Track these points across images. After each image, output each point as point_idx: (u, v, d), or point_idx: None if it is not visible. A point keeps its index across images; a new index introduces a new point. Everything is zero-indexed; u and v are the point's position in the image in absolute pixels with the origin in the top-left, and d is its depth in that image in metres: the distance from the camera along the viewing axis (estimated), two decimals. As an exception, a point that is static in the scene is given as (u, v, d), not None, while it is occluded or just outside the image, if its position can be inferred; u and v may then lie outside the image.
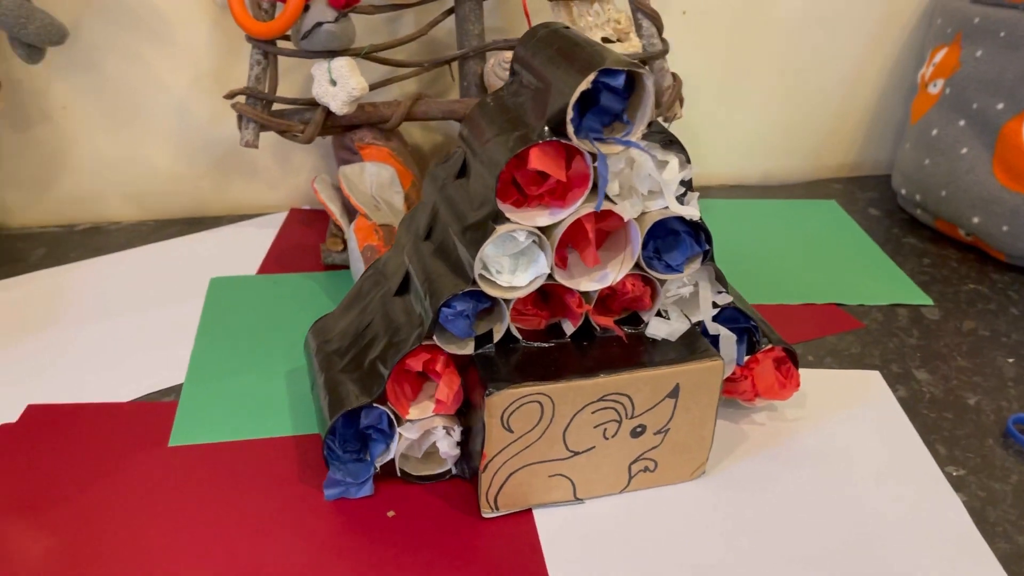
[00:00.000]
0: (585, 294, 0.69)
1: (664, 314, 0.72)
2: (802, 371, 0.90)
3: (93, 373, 0.87)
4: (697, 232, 0.69)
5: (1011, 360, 0.93)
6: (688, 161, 0.67)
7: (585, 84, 0.60)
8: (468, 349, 0.69)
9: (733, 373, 0.79)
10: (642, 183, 0.66)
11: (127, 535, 0.68)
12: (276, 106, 1.04)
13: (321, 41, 0.95)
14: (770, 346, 0.79)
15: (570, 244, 0.69)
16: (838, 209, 1.28)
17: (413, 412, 0.71)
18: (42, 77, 1.11)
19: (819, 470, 0.76)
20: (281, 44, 1.00)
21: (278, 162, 1.21)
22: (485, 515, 0.70)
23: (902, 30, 1.32)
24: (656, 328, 0.71)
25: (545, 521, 0.70)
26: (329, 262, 1.06)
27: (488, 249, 0.64)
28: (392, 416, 0.70)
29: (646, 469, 0.72)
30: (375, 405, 0.69)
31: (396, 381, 0.70)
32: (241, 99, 1.06)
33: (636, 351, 0.70)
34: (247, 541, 0.67)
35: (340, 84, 0.98)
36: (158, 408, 0.82)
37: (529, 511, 0.71)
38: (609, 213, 0.67)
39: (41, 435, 0.79)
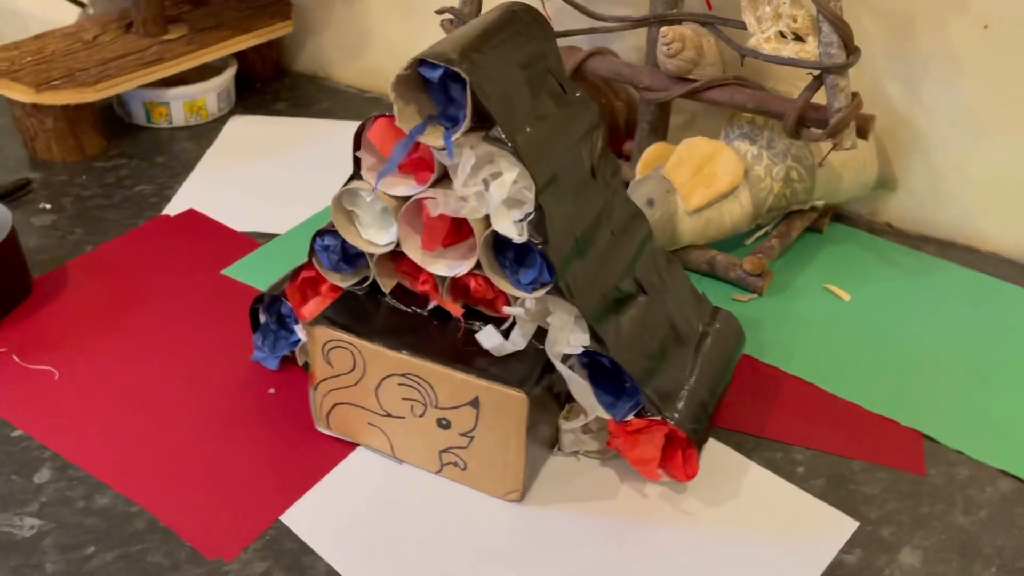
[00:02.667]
0: (440, 277, 0.69)
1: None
2: (765, 475, 0.75)
3: (258, 204, 1.11)
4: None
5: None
6: (534, 183, 0.61)
7: (401, 69, 0.59)
8: (339, 282, 0.74)
9: (609, 426, 0.71)
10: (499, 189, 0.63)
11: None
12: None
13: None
14: (659, 418, 0.69)
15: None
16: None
17: (307, 309, 0.79)
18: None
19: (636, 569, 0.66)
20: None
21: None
22: (319, 428, 0.77)
23: None
24: (486, 337, 0.68)
25: (360, 458, 0.75)
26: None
27: (345, 200, 0.69)
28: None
29: (456, 464, 0.71)
30: (284, 300, 0.80)
31: (298, 287, 0.79)
32: (448, 17, 1.15)
33: (462, 347, 0.69)
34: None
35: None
36: (246, 243, 1.03)
37: (356, 446, 0.76)
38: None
39: (180, 231, 1.05)
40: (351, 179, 0.68)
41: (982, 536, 0.71)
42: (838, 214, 1.11)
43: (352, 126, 1.32)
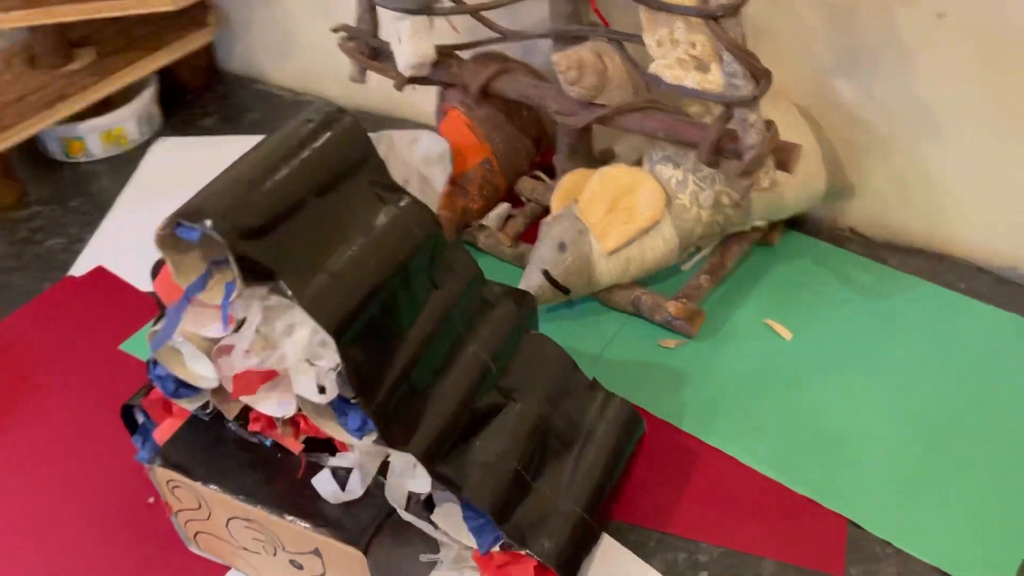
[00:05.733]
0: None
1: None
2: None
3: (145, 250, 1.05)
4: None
5: None
6: (333, 337, 0.53)
7: (158, 229, 0.51)
8: (187, 407, 0.69)
9: (474, 558, 0.65)
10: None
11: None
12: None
13: (389, 0, 0.89)
14: (525, 552, 0.62)
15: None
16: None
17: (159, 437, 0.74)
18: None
19: None
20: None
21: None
22: (190, 548, 0.73)
23: None
24: (321, 484, 0.61)
25: (232, 583, 0.71)
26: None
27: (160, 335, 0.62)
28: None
29: (320, 598, 0.67)
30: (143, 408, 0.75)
31: (153, 403, 0.73)
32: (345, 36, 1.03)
33: (306, 494, 0.63)
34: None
35: (402, 47, 0.91)
36: (149, 306, 0.97)
37: (228, 568, 0.72)
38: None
39: (84, 296, 1.00)
40: (157, 319, 0.61)
41: (896, 659, 0.63)
42: (796, 220, 0.99)
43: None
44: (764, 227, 0.95)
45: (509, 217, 1.02)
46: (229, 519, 0.65)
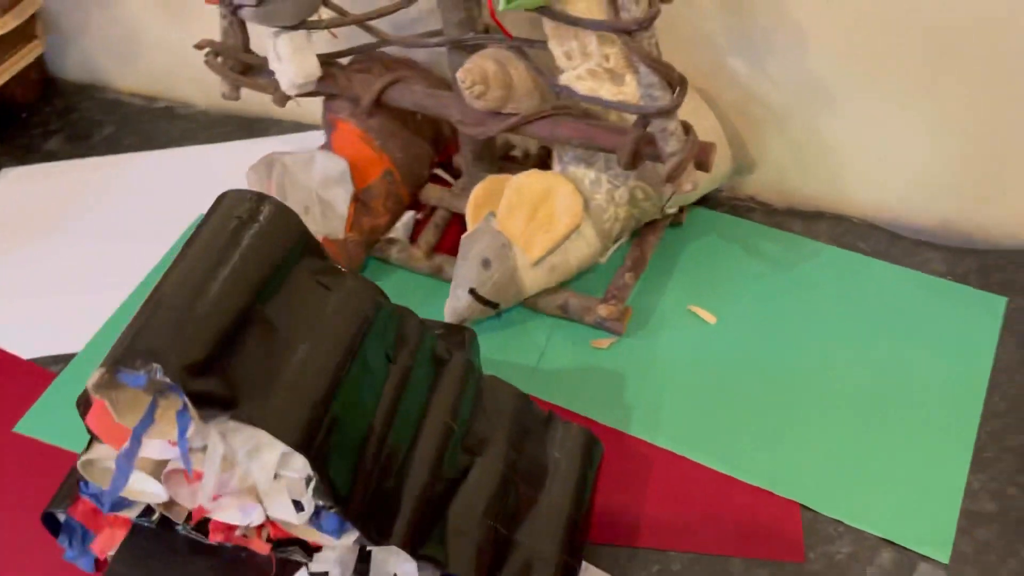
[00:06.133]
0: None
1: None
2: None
3: (41, 310, 0.95)
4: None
5: None
6: (303, 452, 0.49)
7: (95, 378, 0.46)
8: (127, 514, 0.63)
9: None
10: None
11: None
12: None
13: (257, 16, 0.81)
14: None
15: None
16: (994, 322, 0.87)
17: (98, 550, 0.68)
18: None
19: None
20: None
21: (338, 72, 1.11)
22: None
23: None
24: (300, 583, 0.59)
25: None
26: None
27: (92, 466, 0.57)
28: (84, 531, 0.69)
29: None
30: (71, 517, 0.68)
31: (82, 514, 0.67)
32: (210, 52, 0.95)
33: (280, 592, 0.60)
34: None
35: (283, 65, 0.84)
36: (36, 376, 0.88)
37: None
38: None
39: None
40: (91, 441, 0.55)
41: (865, 637, 0.68)
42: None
43: (148, 158, 1.15)
44: (673, 214, 0.96)
45: (417, 223, 0.98)
46: (199, 632, 0.62)
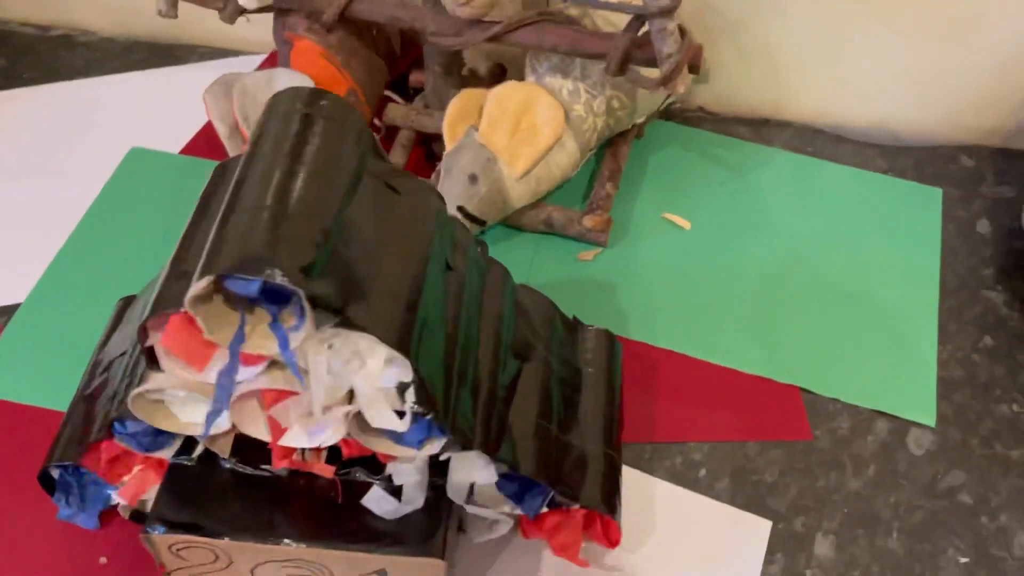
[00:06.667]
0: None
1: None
2: (675, 491, 0.73)
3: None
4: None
5: (964, 560, 0.70)
6: (408, 353, 0.48)
7: (197, 289, 0.42)
8: (163, 455, 0.59)
9: (521, 523, 0.65)
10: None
11: None
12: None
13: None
14: (577, 507, 0.63)
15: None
16: (935, 209, 0.95)
17: (127, 478, 0.63)
18: None
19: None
20: None
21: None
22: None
23: None
24: (376, 502, 0.57)
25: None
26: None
27: (145, 388, 0.52)
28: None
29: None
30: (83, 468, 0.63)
31: (102, 461, 0.62)
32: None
33: (346, 515, 0.58)
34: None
35: (244, -26, 0.78)
36: (-21, 333, 0.80)
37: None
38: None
39: None
40: (146, 370, 0.51)
41: (875, 499, 0.73)
42: (650, 107, 1.02)
43: (57, 90, 1.04)
44: (641, 120, 0.97)
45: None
46: (256, 565, 0.58)
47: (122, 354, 0.65)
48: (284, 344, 0.44)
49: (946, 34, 0.95)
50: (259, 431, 0.53)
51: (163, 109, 1.00)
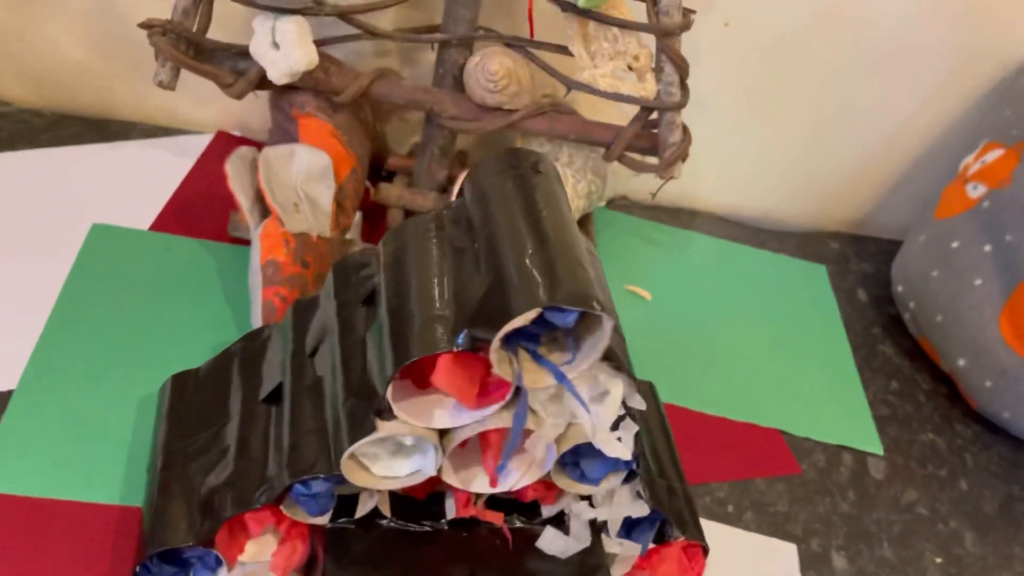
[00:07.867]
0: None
1: (566, 518, 0.61)
2: (714, 526, 0.81)
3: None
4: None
5: (938, 560, 0.85)
6: (634, 385, 0.53)
7: (522, 321, 0.45)
8: (322, 521, 0.57)
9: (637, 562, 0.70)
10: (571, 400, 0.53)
11: None
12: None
13: (268, -6, 0.76)
14: (681, 538, 0.69)
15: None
16: (824, 282, 1.15)
17: (249, 551, 0.60)
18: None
19: None
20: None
21: (214, 73, 1.02)
22: None
23: (963, 99, 1.13)
24: (550, 542, 0.59)
25: None
26: (236, 235, 0.91)
27: (362, 447, 0.52)
28: (219, 556, 0.59)
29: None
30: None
31: (232, 526, 0.58)
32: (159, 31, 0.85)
33: (518, 559, 0.60)
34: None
35: (283, 52, 0.79)
36: (-28, 425, 0.70)
37: None
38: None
39: None
40: (371, 421, 0.50)
41: (863, 517, 0.87)
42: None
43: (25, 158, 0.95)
44: (602, 205, 1.07)
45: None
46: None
47: (226, 426, 0.62)
48: (564, 378, 0.47)
49: (815, 138, 1.18)
50: (453, 475, 0.54)
51: (118, 185, 0.94)
